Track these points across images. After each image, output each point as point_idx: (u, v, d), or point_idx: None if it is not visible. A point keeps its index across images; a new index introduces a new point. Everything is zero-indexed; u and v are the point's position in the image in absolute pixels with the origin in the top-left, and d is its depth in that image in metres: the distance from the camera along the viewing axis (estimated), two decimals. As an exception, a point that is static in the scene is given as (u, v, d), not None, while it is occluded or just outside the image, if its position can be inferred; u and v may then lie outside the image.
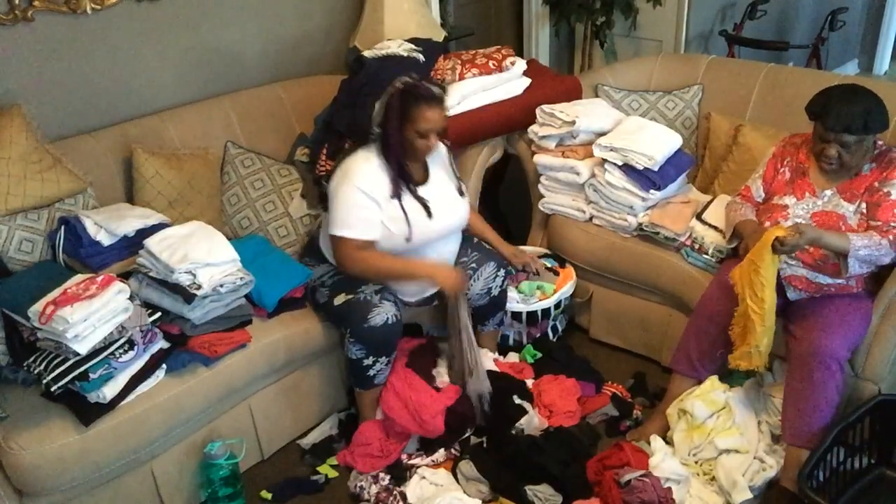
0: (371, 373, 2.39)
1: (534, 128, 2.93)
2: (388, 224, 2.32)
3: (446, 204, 2.44)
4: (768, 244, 2.13)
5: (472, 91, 2.85)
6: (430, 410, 2.38)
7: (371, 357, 2.36)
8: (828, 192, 2.30)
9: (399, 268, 2.36)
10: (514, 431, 2.41)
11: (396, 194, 2.31)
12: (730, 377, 2.46)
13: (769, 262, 2.15)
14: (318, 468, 2.47)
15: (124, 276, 2.23)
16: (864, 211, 2.25)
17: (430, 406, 2.39)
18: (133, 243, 2.31)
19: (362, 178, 2.29)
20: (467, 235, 2.73)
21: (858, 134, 2.16)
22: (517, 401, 2.48)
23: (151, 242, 2.22)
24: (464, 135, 2.84)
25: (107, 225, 2.30)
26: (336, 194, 2.31)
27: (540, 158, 2.90)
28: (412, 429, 2.37)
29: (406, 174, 2.35)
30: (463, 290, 2.39)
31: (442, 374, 2.57)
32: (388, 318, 2.30)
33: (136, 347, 2.11)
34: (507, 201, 3.70)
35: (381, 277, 2.36)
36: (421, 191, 2.38)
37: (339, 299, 2.36)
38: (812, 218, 2.28)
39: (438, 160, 2.50)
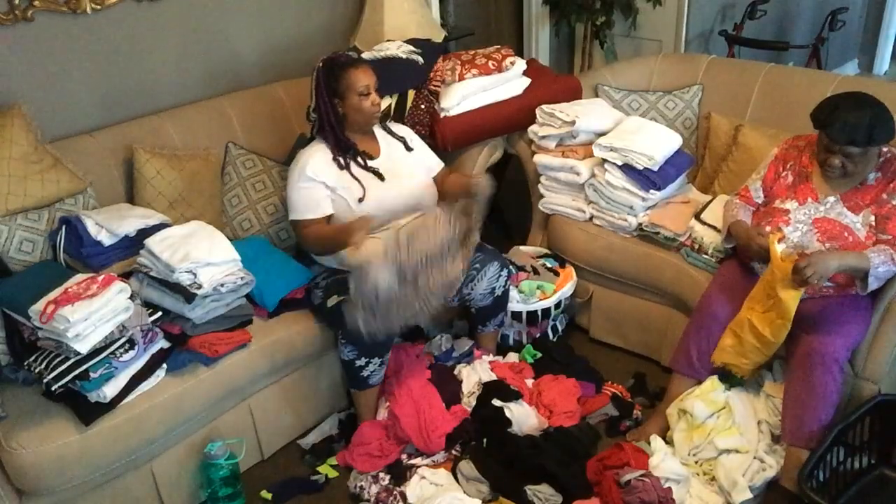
0: (365, 373, 2.40)
1: (534, 128, 2.93)
2: (343, 193, 2.38)
3: (402, 173, 2.48)
4: (786, 273, 2.13)
5: (472, 91, 2.85)
6: (438, 430, 2.39)
7: (364, 358, 2.36)
8: (831, 199, 2.28)
9: (333, 231, 2.31)
10: (510, 430, 2.42)
11: (343, 166, 2.40)
12: (730, 377, 2.46)
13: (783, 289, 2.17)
14: (318, 468, 2.47)
15: (125, 276, 2.23)
16: (873, 223, 2.23)
17: (439, 426, 2.40)
18: (134, 243, 2.31)
19: (307, 162, 2.39)
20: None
21: (863, 146, 2.14)
22: (497, 403, 2.47)
23: (152, 242, 2.23)
24: (464, 135, 2.84)
25: (108, 225, 2.30)
26: (288, 183, 2.43)
27: (540, 158, 2.91)
28: (415, 440, 2.38)
29: (349, 146, 2.43)
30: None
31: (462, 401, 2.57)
32: None
33: (136, 347, 2.11)
34: (507, 201, 3.70)
35: (327, 245, 2.35)
36: (372, 163, 2.46)
37: (332, 301, 2.36)
38: (814, 224, 2.27)
39: (405, 133, 2.61)
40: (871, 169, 2.25)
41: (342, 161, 2.41)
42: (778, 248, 2.17)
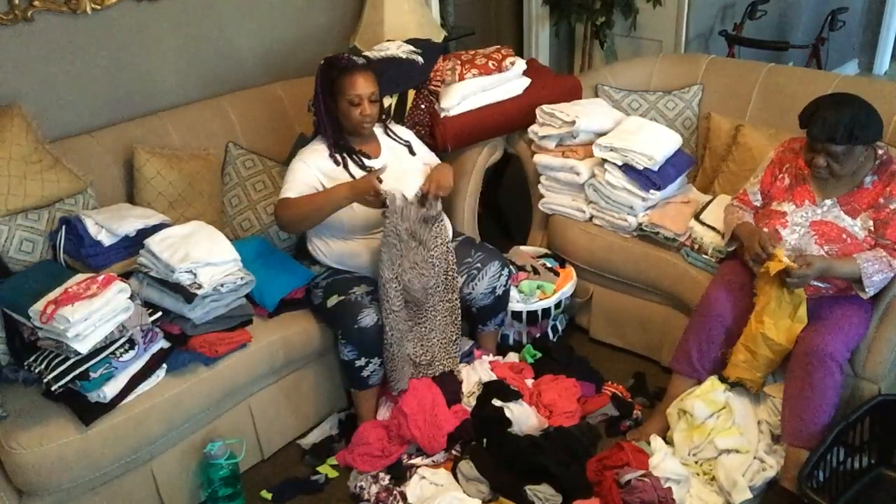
0: (364, 374, 2.40)
1: (534, 128, 2.93)
2: None
3: (403, 177, 2.46)
4: (772, 278, 2.17)
5: (471, 91, 2.85)
6: (442, 429, 2.39)
7: (363, 358, 2.36)
8: (828, 202, 2.28)
9: (322, 193, 2.32)
10: (510, 430, 2.42)
11: (339, 162, 2.41)
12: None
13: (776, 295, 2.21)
14: (318, 468, 2.47)
15: (125, 276, 2.23)
16: (871, 227, 2.22)
17: (443, 425, 2.40)
18: (134, 243, 2.31)
19: (304, 155, 2.44)
20: (469, 237, 2.74)
21: (843, 144, 2.12)
22: (497, 403, 2.47)
23: (152, 242, 2.23)
24: (464, 135, 2.84)
25: (108, 225, 2.30)
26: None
27: (540, 158, 2.91)
28: (420, 439, 2.37)
29: (347, 147, 2.44)
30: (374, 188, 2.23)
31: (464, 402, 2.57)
32: (378, 319, 2.31)
33: (136, 347, 2.11)
34: (507, 201, 3.70)
35: (311, 211, 2.29)
36: (370, 163, 2.45)
37: (332, 301, 2.36)
38: (811, 227, 2.27)
39: (409, 137, 2.62)
40: (867, 172, 2.24)
41: (338, 157, 2.42)
42: (783, 257, 2.18)
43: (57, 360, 2.00)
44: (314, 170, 2.40)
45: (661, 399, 2.55)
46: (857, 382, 2.27)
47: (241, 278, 2.28)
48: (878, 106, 2.18)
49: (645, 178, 2.67)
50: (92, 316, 1.98)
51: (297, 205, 2.31)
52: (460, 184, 2.87)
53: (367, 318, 2.30)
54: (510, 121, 2.96)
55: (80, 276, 2.09)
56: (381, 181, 2.23)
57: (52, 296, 2.00)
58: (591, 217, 2.86)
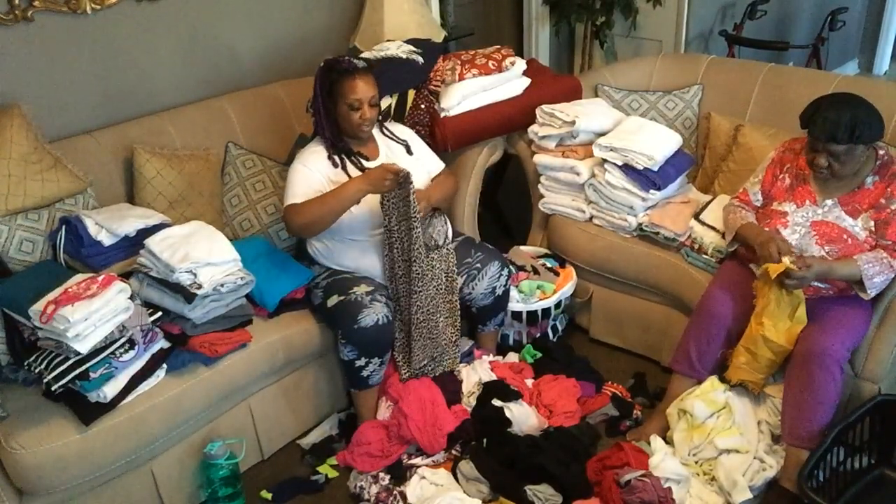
0: (365, 374, 2.40)
1: (534, 128, 2.93)
2: None
3: None
4: (772, 278, 2.17)
5: (471, 91, 2.85)
6: (442, 429, 2.39)
7: (363, 358, 2.36)
8: (829, 202, 2.28)
9: (333, 193, 2.31)
10: (510, 430, 2.42)
11: (338, 164, 2.41)
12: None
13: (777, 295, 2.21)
14: (318, 468, 2.47)
15: (125, 276, 2.23)
16: (872, 228, 2.22)
17: (443, 425, 2.40)
18: (134, 243, 2.31)
19: (304, 158, 2.44)
20: (469, 237, 2.73)
21: (845, 143, 2.12)
22: (497, 403, 2.47)
23: (152, 242, 2.23)
24: (464, 135, 2.84)
25: (108, 225, 2.30)
26: (287, 176, 2.44)
27: (540, 158, 2.91)
28: (420, 439, 2.37)
29: (345, 149, 2.44)
30: (386, 180, 2.27)
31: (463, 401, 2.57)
32: (378, 319, 2.31)
33: (136, 347, 2.11)
34: (507, 201, 3.71)
35: (324, 212, 2.29)
36: (368, 164, 2.44)
37: (332, 301, 2.36)
38: (812, 227, 2.27)
39: (407, 136, 2.62)
40: (868, 172, 2.24)
41: (336, 159, 2.42)
42: (786, 260, 2.18)
43: (57, 360, 2.00)
44: (316, 173, 2.39)
45: (661, 399, 2.55)
46: (857, 382, 2.27)
47: (241, 278, 2.28)
48: (878, 106, 2.17)
49: (645, 178, 2.67)
50: (92, 316, 1.98)
51: (308, 208, 2.30)
52: (460, 184, 2.87)
53: (368, 318, 2.30)
54: (510, 121, 2.96)
55: (80, 276, 2.09)
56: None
57: (52, 296, 2.00)
58: (591, 217, 2.86)
